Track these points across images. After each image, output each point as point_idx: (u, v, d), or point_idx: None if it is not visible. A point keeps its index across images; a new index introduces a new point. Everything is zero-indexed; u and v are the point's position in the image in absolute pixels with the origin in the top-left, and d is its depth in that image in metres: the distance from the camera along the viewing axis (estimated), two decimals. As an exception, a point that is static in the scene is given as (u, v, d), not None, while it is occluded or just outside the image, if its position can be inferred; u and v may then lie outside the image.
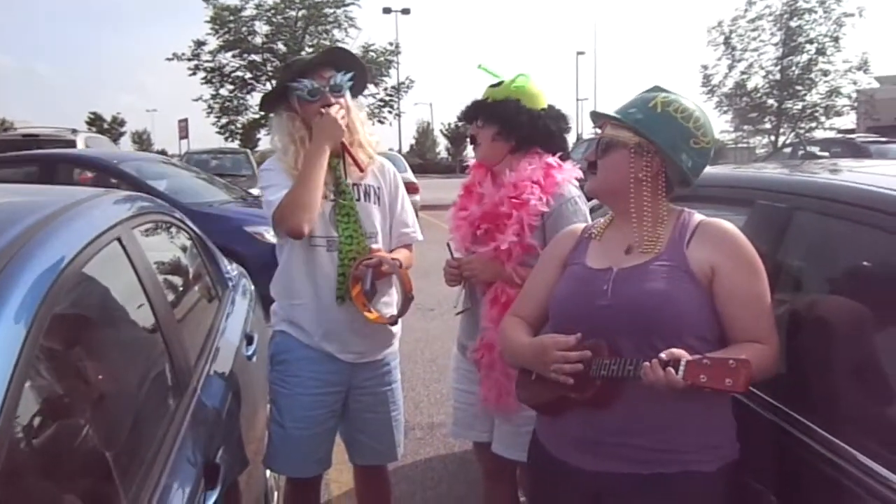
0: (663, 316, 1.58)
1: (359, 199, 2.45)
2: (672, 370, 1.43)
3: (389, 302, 2.53)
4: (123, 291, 1.86)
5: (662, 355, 1.45)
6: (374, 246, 2.43)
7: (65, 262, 1.46)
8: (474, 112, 2.37)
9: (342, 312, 2.39)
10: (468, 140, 2.45)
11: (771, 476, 1.65)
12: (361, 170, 2.43)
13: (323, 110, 2.34)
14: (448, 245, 2.39)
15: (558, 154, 2.32)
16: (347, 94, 2.44)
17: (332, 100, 2.37)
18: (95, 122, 57.08)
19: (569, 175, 2.29)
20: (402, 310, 2.45)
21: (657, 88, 1.76)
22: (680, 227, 1.69)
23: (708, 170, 1.76)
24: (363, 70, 2.56)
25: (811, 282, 1.89)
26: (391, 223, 2.55)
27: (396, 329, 2.58)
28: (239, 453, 2.09)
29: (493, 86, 2.35)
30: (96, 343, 1.66)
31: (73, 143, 12.00)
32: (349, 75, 2.43)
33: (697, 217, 1.72)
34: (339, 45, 28.01)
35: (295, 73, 2.40)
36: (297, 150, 2.38)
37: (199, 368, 2.07)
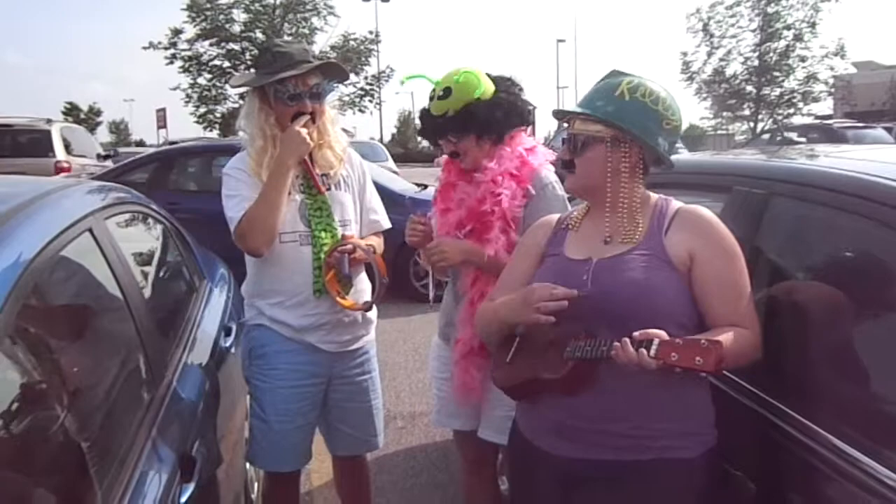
0: (641, 305, 1.57)
1: (329, 189, 2.44)
2: (644, 351, 1.43)
3: (363, 288, 2.52)
4: (95, 283, 1.83)
5: (636, 334, 1.45)
6: (347, 233, 2.42)
7: (33, 253, 1.43)
8: (442, 130, 2.26)
9: (321, 305, 2.37)
10: (448, 155, 2.32)
11: (749, 462, 1.66)
12: (321, 192, 2.40)
13: (293, 122, 2.31)
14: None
15: (526, 122, 2.29)
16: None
17: (309, 106, 2.34)
18: (72, 111, 56.26)
19: (543, 159, 2.27)
20: (378, 295, 2.44)
21: (615, 73, 1.74)
22: (658, 214, 1.69)
23: (685, 156, 1.76)
24: (346, 77, 2.60)
25: (788, 268, 1.90)
26: (360, 211, 2.55)
27: (372, 316, 2.57)
28: (216, 446, 2.07)
29: (441, 97, 2.19)
30: (67, 336, 1.63)
31: (48, 133, 11.83)
32: (333, 84, 2.42)
33: (675, 204, 1.71)
34: (319, 35, 27.92)
35: (280, 69, 2.31)
36: (265, 146, 2.34)
37: (174, 360, 2.05)
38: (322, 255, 2.34)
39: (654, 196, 1.74)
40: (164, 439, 1.66)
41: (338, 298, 2.35)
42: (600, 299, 1.61)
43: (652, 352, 1.42)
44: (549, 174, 2.26)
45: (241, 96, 2.60)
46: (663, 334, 1.44)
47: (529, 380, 1.66)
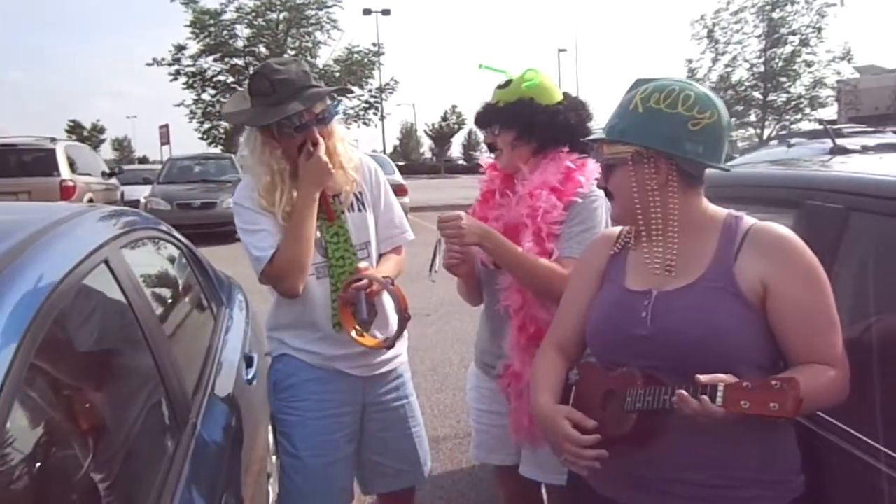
0: (711, 347, 1.40)
1: (344, 211, 2.27)
2: (707, 398, 1.26)
3: (384, 321, 2.31)
4: (113, 319, 1.69)
5: (701, 378, 1.28)
6: (361, 264, 2.22)
7: (48, 289, 1.30)
8: (487, 118, 2.19)
9: (343, 336, 2.20)
10: (486, 147, 2.25)
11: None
12: (331, 219, 2.24)
13: (311, 148, 2.14)
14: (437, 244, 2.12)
15: (580, 148, 2.14)
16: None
17: (316, 134, 2.16)
18: (75, 129, 56.48)
19: (590, 174, 2.12)
20: (399, 331, 2.21)
21: (637, 83, 1.57)
22: (727, 234, 1.51)
23: (745, 168, 1.58)
24: (350, 92, 2.42)
25: (876, 293, 1.69)
26: (377, 225, 2.37)
27: (403, 335, 2.35)
28: (244, 493, 1.91)
29: (501, 87, 2.16)
30: (85, 382, 1.47)
31: (52, 152, 11.73)
32: (338, 103, 2.24)
33: (747, 221, 1.52)
34: (323, 49, 27.93)
35: (281, 100, 2.10)
36: (274, 182, 2.16)
37: (197, 400, 1.89)
38: (339, 286, 2.18)
39: (722, 212, 1.56)
40: (192, 494, 1.50)
41: (354, 335, 2.16)
42: (661, 341, 1.45)
43: (718, 400, 1.25)
44: (594, 189, 2.11)
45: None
46: (728, 378, 1.27)
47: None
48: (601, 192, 2.10)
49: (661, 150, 1.48)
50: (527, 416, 2.08)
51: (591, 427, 1.46)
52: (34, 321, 1.20)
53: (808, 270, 1.44)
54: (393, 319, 2.25)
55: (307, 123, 2.14)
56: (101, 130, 65.20)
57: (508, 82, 2.14)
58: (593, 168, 2.11)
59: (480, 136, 2.33)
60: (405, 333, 2.29)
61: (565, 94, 2.19)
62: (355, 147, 2.38)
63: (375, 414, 2.35)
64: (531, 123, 2.10)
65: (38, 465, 1.15)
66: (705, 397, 1.26)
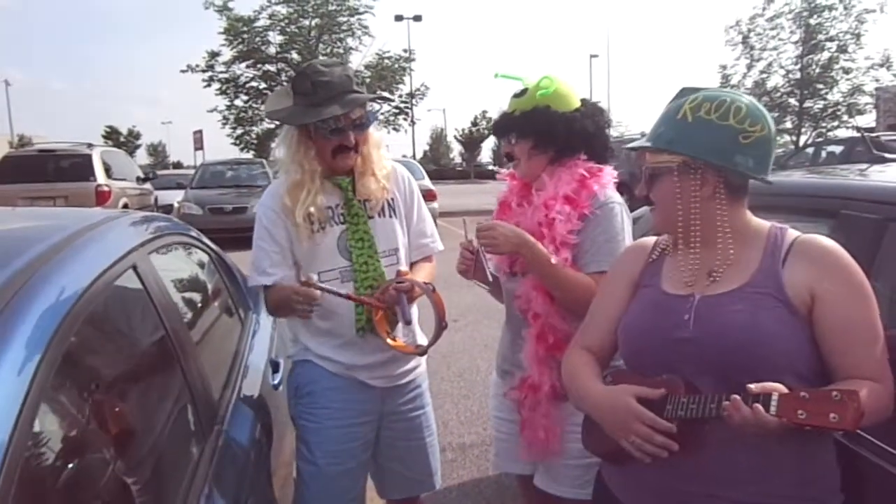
0: (756, 352, 1.36)
1: (372, 217, 2.26)
2: (760, 407, 1.23)
3: (414, 326, 2.31)
4: (141, 325, 1.69)
5: (752, 387, 1.25)
6: (401, 268, 2.22)
7: (77, 293, 1.32)
8: (504, 128, 2.17)
9: (368, 344, 2.21)
10: (505, 157, 2.23)
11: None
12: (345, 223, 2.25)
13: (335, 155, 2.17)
14: (464, 221, 2.18)
15: (599, 156, 2.12)
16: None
17: (352, 139, 2.16)
18: (112, 135, 57.55)
19: (606, 181, 2.09)
20: (435, 338, 2.21)
21: (683, 92, 1.54)
22: (772, 245, 1.47)
23: (779, 176, 1.54)
24: (391, 100, 2.42)
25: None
26: (409, 235, 2.36)
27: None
28: (270, 498, 1.91)
29: (517, 95, 2.14)
30: (111, 386, 1.48)
31: (89, 158, 11.95)
32: (376, 110, 2.24)
33: (792, 234, 1.49)
34: (354, 54, 28.11)
35: (321, 101, 2.12)
36: (302, 182, 2.17)
37: (223, 407, 1.89)
38: (363, 291, 2.17)
39: (765, 224, 1.52)
40: (218, 500, 1.50)
41: (388, 340, 2.16)
42: (704, 345, 1.41)
43: (772, 409, 1.22)
44: (612, 195, 2.07)
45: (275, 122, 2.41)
46: (781, 387, 1.24)
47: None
48: (619, 198, 2.07)
49: (710, 161, 1.45)
50: (543, 429, 2.05)
51: (662, 429, 1.39)
52: (62, 325, 1.21)
53: (856, 283, 1.41)
54: (418, 327, 2.24)
55: (343, 128, 2.14)
56: (137, 136, 66.27)
57: (524, 91, 2.12)
58: (609, 176, 2.08)
59: None
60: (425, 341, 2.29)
61: (583, 101, 2.15)
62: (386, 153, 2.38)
63: (392, 424, 2.36)
64: (548, 133, 2.07)
65: (63, 469, 1.16)
66: (758, 405, 1.23)
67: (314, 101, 2.13)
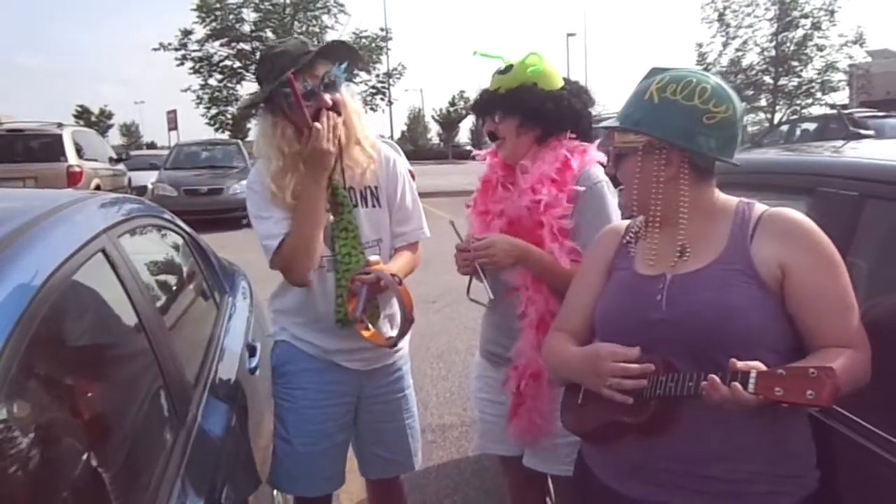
0: (728, 329, 1.37)
1: (357, 206, 2.21)
2: (738, 385, 1.23)
3: (392, 316, 2.29)
4: (110, 310, 1.65)
5: (737, 363, 1.25)
6: (371, 258, 2.17)
7: (43, 277, 1.27)
8: (489, 106, 2.12)
9: (346, 331, 2.19)
10: (487, 136, 2.18)
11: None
12: (335, 214, 2.18)
13: (315, 124, 2.05)
14: (452, 225, 2.12)
15: (584, 135, 2.11)
16: (343, 88, 2.17)
17: (328, 100, 2.09)
18: (83, 115, 56.36)
19: (590, 159, 2.07)
20: (402, 332, 2.17)
21: (653, 72, 1.54)
22: (739, 221, 1.48)
23: (754, 154, 1.54)
24: (357, 57, 2.30)
25: (892, 285, 1.65)
26: (391, 221, 2.31)
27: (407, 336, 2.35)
28: (245, 486, 1.89)
29: (501, 72, 2.08)
30: (79, 373, 1.44)
31: (59, 138, 11.71)
32: (344, 66, 2.15)
33: (759, 208, 1.50)
34: (330, 33, 27.70)
35: (281, 71, 2.06)
36: (284, 168, 2.11)
37: (197, 392, 1.86)
38: (344, 282, 2.15)
39: (733, 200, 1.53)
40: (192, 488, 1.47)
41: (362, 332, 2.14)
42: (678, 324, 1.41)
43: (750, 387, 1.22)
44: (597, 173, 2.06)
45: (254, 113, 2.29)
46: (760, 365, 1.24)
47: (606, 423, 1.47)
48: (604, 176, 2.06)
49: (674, 142, 1.45)
50: (540, 415, 2.05)
51: (634, 356, 1.41)
52: (27, 310, 1.17)
53: (825, 253, 1.41)
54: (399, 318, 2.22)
55: (313, 89, 2.08)
56: (109, 116, 64.98)
57: (509, 67, 2.07)
58: (594, 154, 2.06)
59: None
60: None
61: (566, 80, 2.13)
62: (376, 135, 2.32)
63: (371, 406, 2.36)
64: (536, 110, 2.04)
65: (32, 459, 1.12)
66: (736, 384, 1.23)
67: (275, 74, 2.07)
